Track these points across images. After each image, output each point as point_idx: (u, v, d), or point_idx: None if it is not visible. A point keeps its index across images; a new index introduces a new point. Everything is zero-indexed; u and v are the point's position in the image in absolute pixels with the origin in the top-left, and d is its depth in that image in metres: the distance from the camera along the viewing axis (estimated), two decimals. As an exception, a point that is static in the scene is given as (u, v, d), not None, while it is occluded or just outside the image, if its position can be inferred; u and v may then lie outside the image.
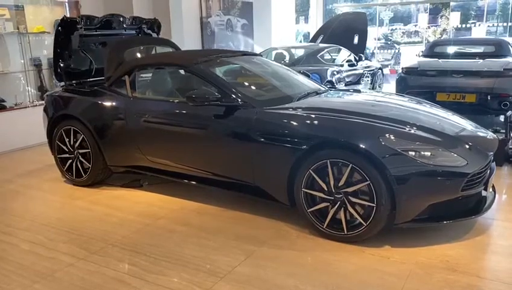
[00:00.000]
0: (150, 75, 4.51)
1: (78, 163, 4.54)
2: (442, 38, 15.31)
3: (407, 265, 2.89)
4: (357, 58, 9.00)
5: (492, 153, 3.34)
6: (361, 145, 3.01)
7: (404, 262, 2.93)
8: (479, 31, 15.14)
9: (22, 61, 6.51)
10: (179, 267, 2.96)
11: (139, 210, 3.94)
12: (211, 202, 4.02)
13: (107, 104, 4.32)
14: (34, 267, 3.01)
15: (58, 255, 3.17)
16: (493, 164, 3.48)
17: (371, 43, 15.75)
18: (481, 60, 6.72)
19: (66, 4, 7.02)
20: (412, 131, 3.20)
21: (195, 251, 3.16)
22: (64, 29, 4.63)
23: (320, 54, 8.11)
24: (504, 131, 5.09)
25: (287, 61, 7.98)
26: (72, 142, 4.52)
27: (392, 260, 2.96)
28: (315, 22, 14.44)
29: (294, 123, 3.36)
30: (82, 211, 3.99)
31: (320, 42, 9.84)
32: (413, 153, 2.98)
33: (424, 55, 7.58)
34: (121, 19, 5.06)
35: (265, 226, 3.54)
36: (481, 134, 3.54)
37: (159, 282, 2.79)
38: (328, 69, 7.71)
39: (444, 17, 18.16)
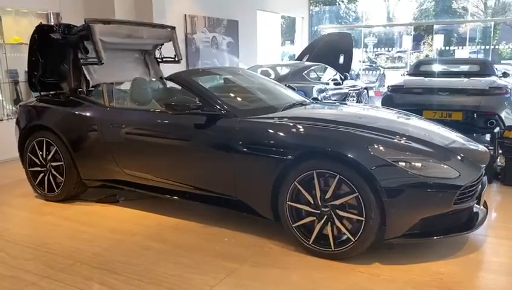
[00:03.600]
0: (129, 85, 4.33)
1: (50, 177, 4.28)
2: (427, 57, 15.52)
3: (398, 283, 2.70)
4: (343, 77, 8.97)
5: (484, 165, 3.21)
6: (349, 155, 2.85)
7: (395, 280, 2.74)
8: (461, 54, 15.43)
9: (-3, 73, 6.27)
10: (153, 286, 2.72)
11: (112, 226, 3.69)
12: (191, 218, 3.80)
13: (82, 114, 4.11)
14: (-9, 287, 2.74)
15: (19, 273, 2.90)
16: (485, 178, 3.36)
17: (356, 65, 15.90)
18: (466, 79, 6.71)
19: (51, 15, 6.83)
20: (402, 141, 3.06)
21: (171, 269, 2.92)
22: (40, 37, 4.43)
23: (306, 71, 8.03)
24: (492, 148, 5.00)
25: (272, 78, 7.88)
26: (44, 155, 4.27)
27: (382, 278, 2.77)
28: (300, 43, 14.51)
29: (279, 133, 3.20)
30: (51, 227, 3.73)
31: (306, 61, 9.82)
32: (403, 164, 2.83)
33: (410, 74, 7.57)
34: None
35: (247, 242, 3.32)
36: (472, 146, 3.42)
37: (129, 302, 2.55)
38: (314, 86, 7.63)
39: (426, 43, 18.56)
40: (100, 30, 4.17)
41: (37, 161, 4.33)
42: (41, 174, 4.33)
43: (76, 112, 4.15)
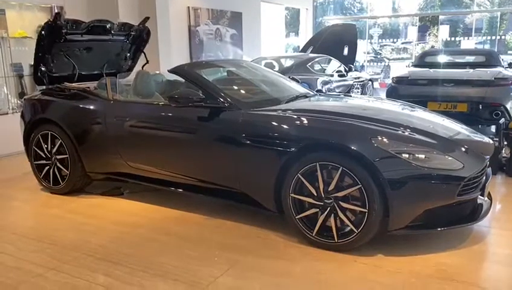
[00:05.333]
0: (132, 78, 4.33)
1: (55, 170, 4.31)
2: (432, 48, 15.36)
3: (401, 275, 2.71)
4: (347, 69, 8.93)
5: (488, 157, 3.20)
6: (352, 147, 2.85)
7: (399, 271, 2.74)
8: (467, 45, 15.29)
9: (2, 67, 6.28)
10: (157, 278, 2.74)
11: (117, 219, 3.72)
12: (195, 210, 3.81)
13: (86, 107, 4.12)
14: (-2, 278, 2.77)
15: (26, 265, 2.93)
16: (489, 169, 3.34)
17: (361, 57, 15.81)
18: (472, 70, 6.66)
19: (54, 8, 6.81)
20: (406, 133, 3.05)
21: (175, 261, 2.94)
22: (48, 33, 4.42)
23: (310, 63, 8.01)
24: (497, 139, 4.97)
25: (276, 71, 7.86)
26: (49, 148, 4.29)
27: (385, 270, 2.77)
28: (305, 35, 14.44)
29: (282, 125, 3.19)
30: (57, 219, 3.76)
31: (310, 53, 9.78)
32: (406, 156, 2.83)
33: (415, 65, 7.51)
34: (109, 25, 4.87)
35: (251, 235, 3.34)
36: (476, 138, 3.41)
37: (134, 294, 2.57)
38: (318, 78, 7.61)
39: (432, 34, 18.39)
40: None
41: (42, 154, 4.36)
42: (47, 167, 4.36)
43: (81, 105, 4.17)
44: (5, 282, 2.72)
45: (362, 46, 15.70)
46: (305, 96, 4.03)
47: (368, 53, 17.05)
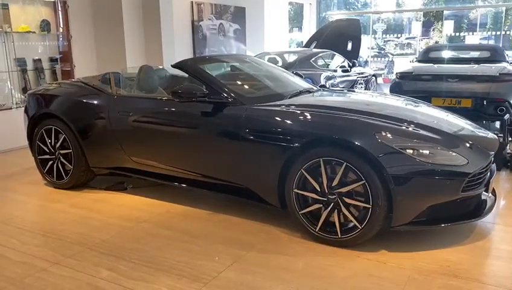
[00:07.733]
0: (136, 72, 4.33)
1: (59, 164, 4.32)
2: (436, 44, 15.27)
3: (405, 270, 2.71)
4: (351, 64, 8.89)
5: (493, 152, 3.18)
6: (356, 142, 2.84)
7: (402, 267, 2.74)
8: (471, 40, 15.19)
9: (6, 61, 6.28)
10: (161, 272, 2.75)
11: (121, 213, 3.73)
12: (199, 205, 3.82)
13: (90, 102, 4.12)
14: (3, 273, 2.78)
15: (30, 259, 2.94)
16: (493, 165, 3.33)
17: (364, 52, 15.72)
18: (476, 65, 6.62)
19: (58, 3, 6.80)
20: (410, 129, 3.04)
21: (179, 256, 2.95)
22: None
23: (314, 58, 7.98)
24: (501, 135, 4.95)
25: (279, 66, 7.84)
26: (53, 143, 4.30)
27: (389, 265, 2.77)
28: (308, 30, 14.38)
29: (286, 120, 3.19)
30: (60, 214, 3.77)
31: (314, 48, 9.74)
32: (411, 151, 2.82)
33: (419, 61, 7.48)
34: None
35: (255, 230, 3.34)
36: (481, 133, 3.39)
37: (138, 288, 2.57)
38: (321, 74, 7.58)
39: (436, 29, 18.26)
40: None
41: (45, 148, 4.37)
42: (50, 162, 4.37)
43: (84, 100, 4.17)
44: (10, 276, 2.73)
45: (366, 41, 15.60)
46: (309, 91, 4.02)
47: (372, 48, 16.95)
